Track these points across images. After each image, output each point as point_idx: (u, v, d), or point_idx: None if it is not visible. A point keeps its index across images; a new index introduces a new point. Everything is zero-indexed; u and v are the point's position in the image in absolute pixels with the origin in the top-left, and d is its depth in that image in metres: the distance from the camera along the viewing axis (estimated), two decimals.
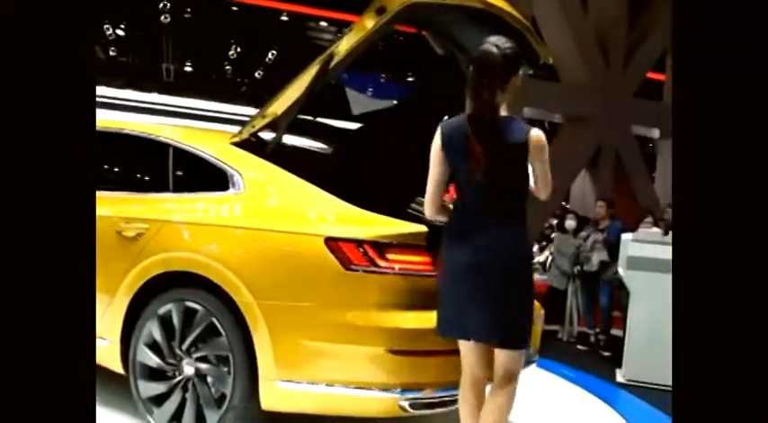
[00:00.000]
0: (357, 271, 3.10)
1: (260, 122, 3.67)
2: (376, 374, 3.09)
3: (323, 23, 18.73)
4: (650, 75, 13.28)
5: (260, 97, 21.74)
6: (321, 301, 3.15)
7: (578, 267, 7.68)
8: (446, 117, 4.34)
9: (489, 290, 2.75)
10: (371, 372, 3.08)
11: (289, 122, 3.63)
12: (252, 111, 20.89)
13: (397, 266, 3.12)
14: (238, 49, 19.63)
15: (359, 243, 3.13)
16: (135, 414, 3.55)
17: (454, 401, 3.12)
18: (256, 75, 20.83)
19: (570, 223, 7.99)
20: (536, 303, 3.99)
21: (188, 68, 20.97)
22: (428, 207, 2.90)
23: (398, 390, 3.07)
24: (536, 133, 2.77)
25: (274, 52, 19.53)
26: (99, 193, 4.20)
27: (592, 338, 7.57)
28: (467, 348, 2.89)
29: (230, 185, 3.55)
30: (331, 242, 3.13)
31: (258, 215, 3.42)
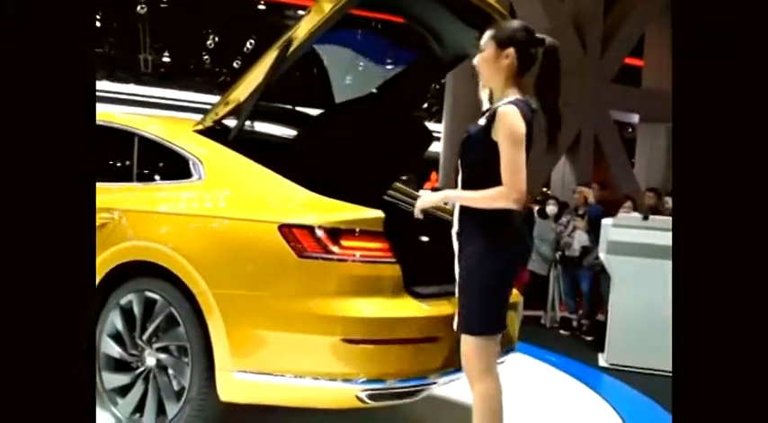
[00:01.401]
0: (311, 258, 3.00)
1: (223, 109, 3.63)
2: (331, 365, 2.98)
3: (300, 12, 18.59)
4: (628, 60, 13.31)
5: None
6: (275, 290, 3.07)
7: (559, 253, 7.69)
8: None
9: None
10: (327, 362, 2.99)
11: (251, 109, 3.56)
12: None
13: (352, 253, 3.01)
14: (216, 39, 19.48)
15: (312, 229, 3.03)
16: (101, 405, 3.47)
17: (418, 392, 3.07)
18: (234, 64, 20.66)
19: (551, 209, 7.99)
20: (514, 291, 3.99)
21: (166, 59, 20.76)
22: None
23: (356, 380, 2.96)
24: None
25: (252, 41, 19.38)
26: None
27: (574, 323, 7.57)
28: (496, 341, 2.81)
29: (192, 174, 3.50)
30: (284, 229, 3.04)
31: (215, 203, 3.40)
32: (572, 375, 5.35)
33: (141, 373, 3.37)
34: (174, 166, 3.58)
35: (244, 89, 3.54)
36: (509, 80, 2.74)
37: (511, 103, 2.65)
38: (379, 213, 3.07)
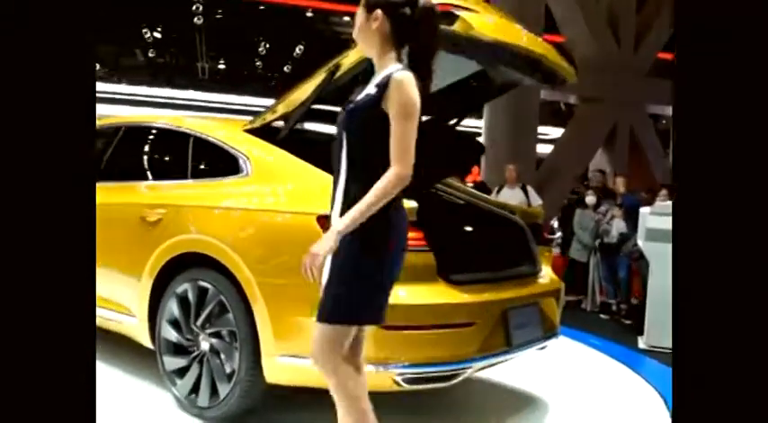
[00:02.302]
0: None
1: (270, 116, 3.67)
2: (367, 349, 2.81)
3: (346, 18, 18.60)
4: (662, 55, 13.04)
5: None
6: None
7: (599, 240, 7.59)
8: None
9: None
10: (365, 347, 2.82)
11: (295, 121, 3.58)
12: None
13: None
14: (267, 46, 19.57)
15: None
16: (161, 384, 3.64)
17: (454, 377, 3.02)
18: (285, 69, 20.76)
19: (590, 199, 7.90)
20: (554, 278, 3.91)
21: (221, 66, 20.95)
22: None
23: (391, 365, 2.94)
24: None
25: (301, 47, 19.44)
26: (127, 183, 4.27)
27: (613, 308, 7.45)
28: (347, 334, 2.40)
29: (240, 170, 3.53)
30: (322, 219, 2.95)
31: (259, 197, 3.40)
32: (613, 357, 5.23)
33: (196, 356, 3.44)
34: (224, 163, 3.62)
35: (289, 104, 3.57)
36: (385, 46, 2.32)
37: (403, 69, 2.24)
38: (412, 203, 2.96)
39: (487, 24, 3.07)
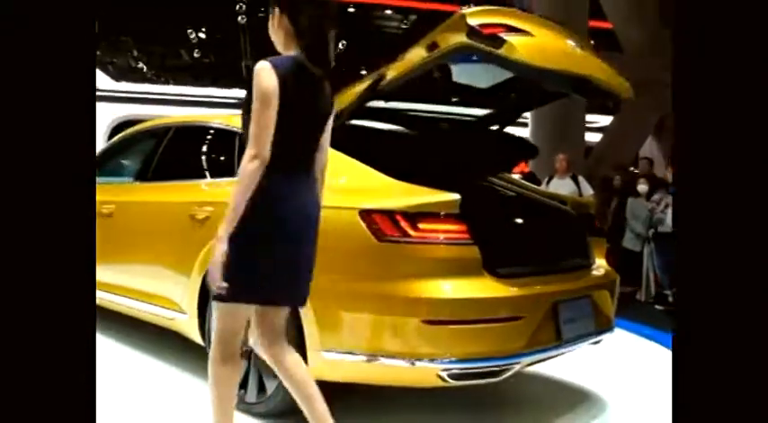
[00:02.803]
0: (390, 242, 2.95)
1: None
2: (412, 345, 2.92)
3: (388, 12, 18.53)
4: None
5: (333, 86, 21.91)
6: (358, 273, 3.04)
7: (652, 230, 7.42)
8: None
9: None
10: (407, 342, 2.93)
11: (343, 120, 3.54)
12: None
13: (429, 236, 2.94)
14: None
15: (391, 214, 2.97)
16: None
17: (501, 372, 2.96)
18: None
19: (642, 187, 7.74)
20: (608, 269, 3.82)
21: None
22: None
23: (436, 360, 2.89)
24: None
25: (344, 42, 19.44)
26: (178, 182, 4.34)
27: (669, 298, 7.28)
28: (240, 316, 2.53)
29: None
30: (365, 214, 3.01)
31: None
32: (669, 347, 5.11)
33: (244, 352, 3.41)
34: None
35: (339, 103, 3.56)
36: (288, 41, 2.47)
37: (267, 59, 2.37)
38: (454, 196, 2.97)
39: (535, 50, 3.04)
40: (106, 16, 14.71)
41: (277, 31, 2.50)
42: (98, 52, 17.00)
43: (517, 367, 3.01)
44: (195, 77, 20.80)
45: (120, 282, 4.59)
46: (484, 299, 2.95)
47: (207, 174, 4.26)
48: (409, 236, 2.94)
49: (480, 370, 2.94)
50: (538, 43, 3.08)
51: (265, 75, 2.33)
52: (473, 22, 2.94)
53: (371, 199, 3.10)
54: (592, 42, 3.53)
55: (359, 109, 3.54)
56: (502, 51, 2.94)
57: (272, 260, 2.43)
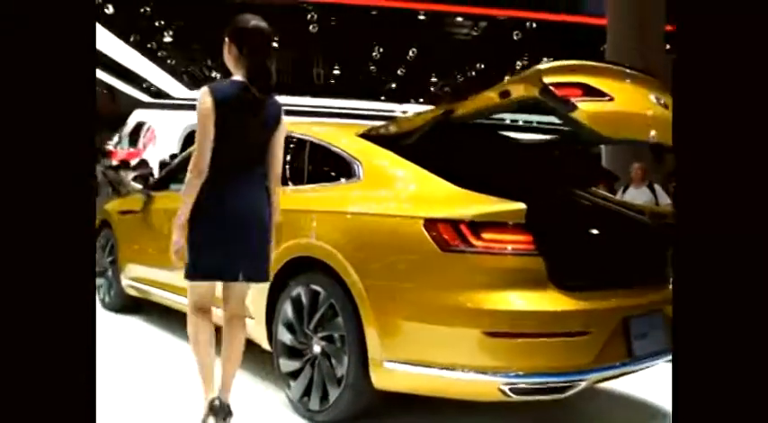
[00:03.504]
0: (453, 252, 2.91)
1: (384, 131, 3.75)
2: (473, 357, 2.86)
3: (458, 19, 18.49)
4: None
5: (403, 93, 22.03)
6: (420, 283, 3.00)
7: None
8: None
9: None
10: (468, 354, 2.87)
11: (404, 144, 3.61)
12: (397, 107, 20.96)
13: (493, 246, 2.88)
14: (381, 50, 19.75)
15: (455, 223, 2.93)
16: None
17: (566, 388, 2.86)
18: (399, 72, 20.89)
19: None
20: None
21: (336, 71, 21.33)
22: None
23: (497, 373, 2.82)
24: None
25: (414, 50, 19.50)
26: None
27: None
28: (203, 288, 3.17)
29: (352, 174, 3.58)
30: (429, 223, 2.98)
31: (367, 201, 3.40)
32: None
33: (309, 359, 3.48)
34: (339, 168, 3.69)
35: (400, 126, 3.66)
36: (235, 64, 2.99)
37: (207, 84, 2.94)
38: (520, 205, 2.90)
39: (607, 121, 3.10)
40: (181, 24, 15.15)
41: (228, 58, 3.03)
42: (173, 61, 17.48)
43: (583, 384, 2.92)
44: None
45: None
46: (548, 312, 2.87)
47: (283, 181, 4.32)
48: (473, 246, 2.89)
49: (544, 385, 2.87)
50: (612, 113, 3.09)
51: (201, 99, 2.90)
52: (548, 80, 2.97)
53: (436, 208, 3.08)
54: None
55: (426, 134, 3.54)
56: (573, 115, 2.99)
57: (214, 247, 3.03)
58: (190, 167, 2.93)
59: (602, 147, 11.81)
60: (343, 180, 3.64)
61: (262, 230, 3.13)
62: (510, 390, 2.82)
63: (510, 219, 2.91)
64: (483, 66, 18.72)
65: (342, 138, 3.84)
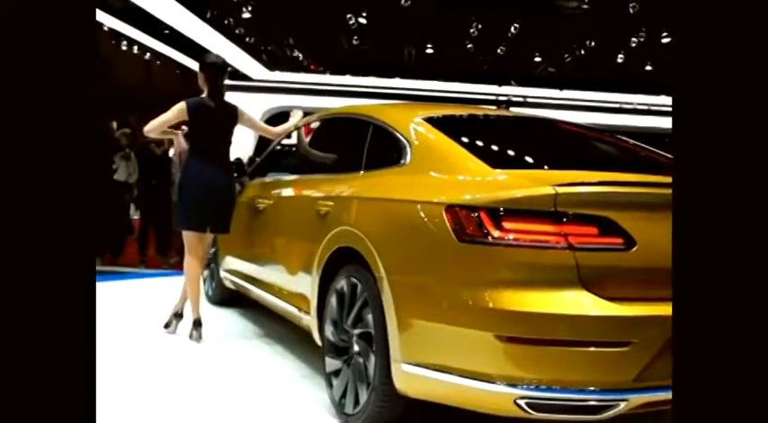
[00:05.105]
0: (469, 242, 2.80)
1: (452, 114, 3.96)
2: (487, 364, 2.72)
3: None
4: None
5: (504, 74, 21.78)
6: (437, 277, 2.91)
7: None
8: None
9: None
10: (480, 360, 2.75)
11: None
12: (496, 90, 20.74)
13: (515, 237, 2.72)
14: (479, 27, 19.61)
15: (475, 210, 2.81)
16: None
17: (600, 409, 2.68)
18: (498, 51, 20.71)
19: None
20: None
21: (429, 51, 21.32)
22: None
23: (516, 385, 2.68)
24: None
25: (516, 26, 19.27)
26: (313, 177, 4.57)
27: None
28: (196, 236, 5.47)
29: (401, 159, 3.56)
30: (450, 210, 2.89)
31: (401, 186, 3.36)
32: None
33: (348, 358, 3.51)
34: (393, 152, 3.71)
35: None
36: (203, 88, 5.47)
37: (185, 100, 5.38)
38: (548, 190, 2.72)
39: None
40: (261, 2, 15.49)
41: (200, 82, 5.47)
42: (251, 40, 17.89)
43: (622, 406, 2.71)
44: (354, 66, 21.36)
45: (264, 277, 4.87)
46: (576, 316, 2.68)
47: (339, 166, 4.46)
48: (492, 236, 2.76)
49: (569, 403, 2.69)
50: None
51: (179, 106, 5.34)
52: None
53: (462, 193, 2.99)
54: None
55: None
56: None
57: (192, 206, 5.32)
58: (147, 126, 5.38)
59: None
60: (393, 166, 3.63)
61: (225, 195, 5.36)
62: (528, 404, 2.68)
63: (536, 205, 2.75)
64: (593, 44, 18.30)
65: (401, 119, 3.86)
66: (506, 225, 2.76)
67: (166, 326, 5.47)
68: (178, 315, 5.48)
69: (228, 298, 6.36)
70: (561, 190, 2.72)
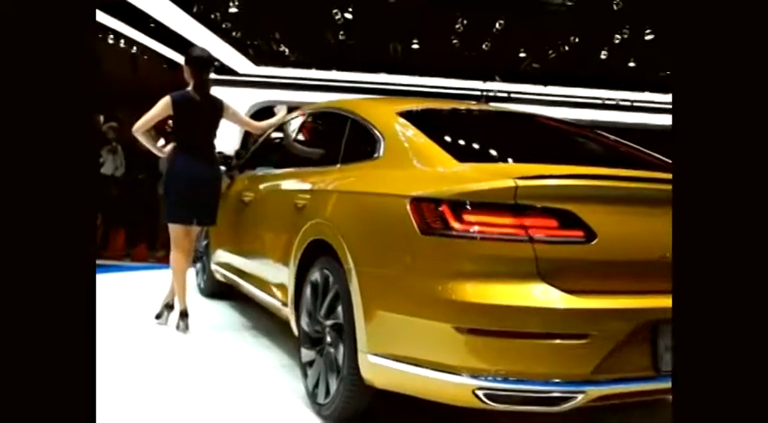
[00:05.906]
0: (431, 235, 2.86)
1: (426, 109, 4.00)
2: (444, 355, 2.78)
3: None
4: None
5: (489, 70, 21.83)
6: (401, 269, 2.96)
7: None
8: None
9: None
10: (440, 351, 2.80)
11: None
12: (480, 85, 20.80)
13: (475, 230, 2.77)
14: (464, 22, 19.67)
15: (436, 203, 2.88)
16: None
17: (557, 400, 2.74)
18: (483, 46, 20.76)
19: None
20: None
21: (414, 46, 21.37)
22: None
23: (476, 376, 2.73)
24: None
25: (501, 22, 19.34)
26: (289, 170, 4.69)
27: None
28: (182, 229, 5.81)
29: (374, 152, 3.65)
30: (414, 203, 2.94)
31: (368, 179, 3.45)
32: None
33: (321, 349, 3.59)
34: (367, 146, 3.81)
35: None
36: (189, 81, 5.78)
37: (170, 94, 5.59)
38: (507, 183, 2.77)
39: None
40: None
41: (185, 75, 5.75)
42: (238, 34, 17.92)
43: (580, 398, 2.74)
44: (340, 61, 21.39)
45: (249, 270, 4.97)
46: (533, 308, 2.72)
47: (318, 160, 4.61)
48: (451, 229, 2.80)
49: (528, 394, 2.73)
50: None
51: (164, 100, 5.64)
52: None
53: (427, 186, 3.02)
54: None
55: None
56: None
57: (178, 200, 5.57)
58: (135, 126, 5.58)
59: None
60: (366, 159, 3.73)
61: (210, 188, 5.63)
62: (486, 395, 2.72)
63: (497, 198, 2.79)
64: (577, 40, 18.42)
65: (377, 114, 3.95)
66: (467, 217, 2.81)
67: (158, 317, 5.71)
68: (169, 306, 5.72)
69: (219, 290, 6.44)
70: (522, 183, 2.78)
